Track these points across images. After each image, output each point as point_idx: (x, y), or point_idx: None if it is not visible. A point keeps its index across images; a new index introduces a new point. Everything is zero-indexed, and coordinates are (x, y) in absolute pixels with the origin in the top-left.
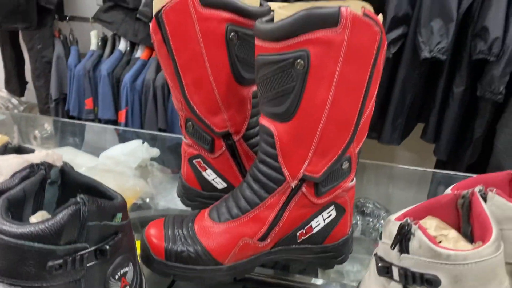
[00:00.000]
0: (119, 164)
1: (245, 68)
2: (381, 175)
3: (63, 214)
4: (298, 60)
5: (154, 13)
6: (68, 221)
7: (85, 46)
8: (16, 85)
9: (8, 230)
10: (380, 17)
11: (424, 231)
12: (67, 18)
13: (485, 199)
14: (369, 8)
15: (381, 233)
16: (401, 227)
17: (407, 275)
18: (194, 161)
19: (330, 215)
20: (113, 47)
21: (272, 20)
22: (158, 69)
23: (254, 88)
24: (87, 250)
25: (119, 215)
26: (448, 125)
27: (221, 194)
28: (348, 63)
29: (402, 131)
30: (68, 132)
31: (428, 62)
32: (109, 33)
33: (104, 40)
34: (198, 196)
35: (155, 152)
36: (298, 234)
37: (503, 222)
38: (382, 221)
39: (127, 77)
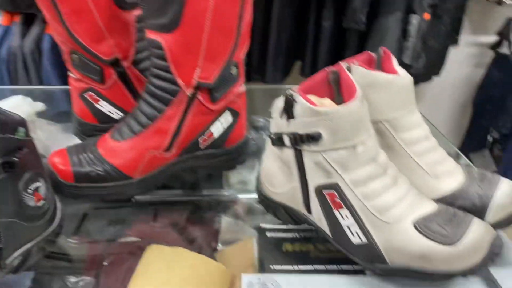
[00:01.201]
0: None
1: None
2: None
3: None
4: None
5: None
6: None
7: None
8: None
9: None
10: None
11: (304, 96)
12: None
13: (350, 72)
14: None
15: (269, 135)
16: (286, 98)
17: (295, 138)
18: (85, 95)
19: (227, 120)
20: None
21: None
22: (23, 34)
23: (137, 12)
24: None
25: (22, 130)
26: (322, 59)
27: None
28: None
29: (283, 69)
30: None
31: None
32: None
33: None
34: (96, 130)
35: (40, 106)
36: (200, 140)
37: (366, 89)
38: None
39: None
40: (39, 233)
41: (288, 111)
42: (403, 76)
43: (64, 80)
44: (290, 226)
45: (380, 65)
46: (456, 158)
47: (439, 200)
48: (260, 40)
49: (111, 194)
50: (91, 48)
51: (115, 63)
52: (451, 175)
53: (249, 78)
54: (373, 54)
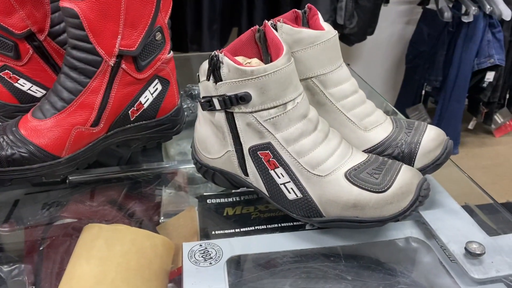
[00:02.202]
0: None
1: None
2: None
3: None
4: None
5: None
6: None
7: None
8: None
9: None
10: None
11: (230, 57)
12: None
13: (276, 30)
14: None
15: (198, 76)
16: (211, 59)
17: (225, 100)
18: (1, 73)
19: (156, 88)
20: None
21: None
22: None
23: None
24: None
25: None
26: (258, 24)
27: None
28: None
29: (220, 37)
30: None
31: None
32: None
33: None
34: (17, 111)
35: None
36: (130, 112)
37: (293, 46)
38: None
39: None
40: None
41: (215, 73)
42: (329, 32)
43: None
44: (230, 191)
45: (307, 22)
46: (393, 114)
47: (369, 151)
48: (194, 8)
49: (38, 175)
50: (1, 22)
51: (29, 37)
52: (379, 126)
53: (186, 49)
54: (299, 12)
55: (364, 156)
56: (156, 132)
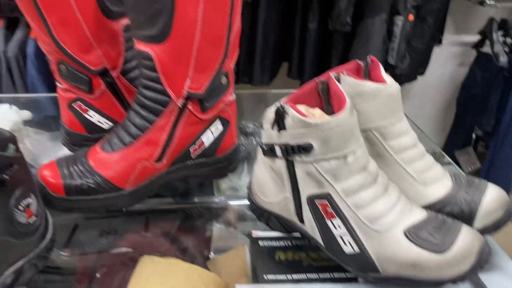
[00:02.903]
0: None
1: (111, 1)
2: (258, 102)
3: None
4: None
5: None
6: None
7: None
8: None
9: None
10: None
11: (295, 108)
12: None
13: (339, 81)
14: None
15: (261, 125)
16: (277, 110)
17: (287, 149)
18: (73, 105)
19: (217, 128)
20: None
21: None
22: (7, 38)
23: (124, 21)
24: None
25: (12, 146)
26: (309, 60)
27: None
28: None
29: (270, 71)
30: None
31: (284, 2)
32: None
33: None
34: (85, 140)
35: (27, 114)
36: (191, 150)
37: (355, 97)
38: None
39: None
40: (31, 250)
41: (279, 122)
42: (391, 85)
43: (49, 85)
44: (283, 234)
45: (368, 73)
46: (441, 157)
47: (428, 207)
48: (247, 42)
49: (103, 206)
50: (79, 59)
51: (103, 73)
52: (439, 181)
53: (236, 81)
54: (360, 63)
55: (424, 213)
56: (214, 170)
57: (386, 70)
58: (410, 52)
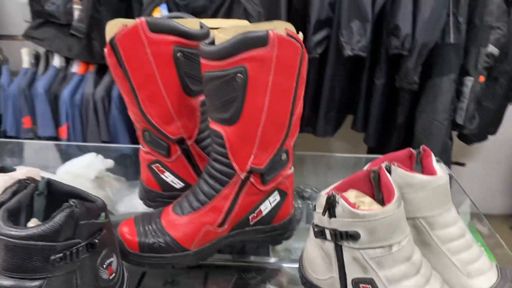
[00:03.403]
0: (78, 177)
1: (192, 81)
2: (319, 164)
3: (60, 216)
4: (238, 75)
5: (108, 39)
6: (65, 221)
7: (17, 64)
8: None
9: (14, 234)
10: (300, 35)
11: (345, 199)
12: None
13: (390, 171)
14: (292, 29)
15: (315, 205)
16: (328, 198)
17: (336, 234)
18: (152, 166)
19: (275, 199)
20: (47, 63)
21: (213, 42)
22: (96, 82)
23: (201, 98)
24: (81, 245)
25: (103, 214)
26: (374, 114)
27: (179, 193)
28: (278, 74)
29: (334, 124)
30: (5, 151)
31: (351, 59)
32: (42, 50)
33: (36, 57)
34: (159, 197)
35: (110, 163)
36: (250, 217)
37: (404, 187)
38: None
39: (65, 93)
40: None
41: (330, 210)
42: (440, 177)
43: (128, 126)
44: None
45: (420, 161)
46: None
47: None
48: (313, 95)
49: (169, 263)
50: (161, 129)
51: (180, 141)
52: (484, 274)
53: (300, 130)
54: (413, 151)
55: None
56: (270, 237)
57: (453, 129)
58: (480, 112)
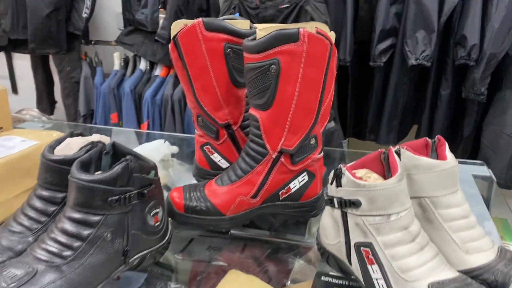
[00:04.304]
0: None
1: (239, 74)
2: None
3: (118, 167)
4: (272, 66)
5: (172, 36)
6: (121, 172)
7: (109, 67)
8: (47, 104)
9: (83, 178)
10: (332, 34)
11: (349, 171)
12: (92, 42)
13: (399, 155)
14: (323, 28)
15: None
16: (335, 170)
17: (342, 202)
18: (204, 147)
19: (304, 179)
20: (134, 66)
21: (255, 39)
22: (175, 85)
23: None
24: (132, 192)
25: (153, 172)
26: (439, 125)
27: None
28: (308, 66)
29: (397, 132)
30: (91, 132)
31: (416, 69)
32: (130, 54)
33: (126, 61)
34: (208, 175)
35: (175, 149)
36: (280, 193)
37: (411, 169)
38: None
39: (147, 93)
40: (153, 245)
41: (338, 181)
42: (446, 162)
43: None
44: (340, 275)
45: (435, 150)
46: None
47: (465, 272)
48: (377, 103)
49: (208, 225)
50: (212, 114)
51: (227, 126)
52: (482, 252)
53: (363, 137)
54: (429, 140)
55: (454, 274)
56: (297, 212)
57: None
58: None
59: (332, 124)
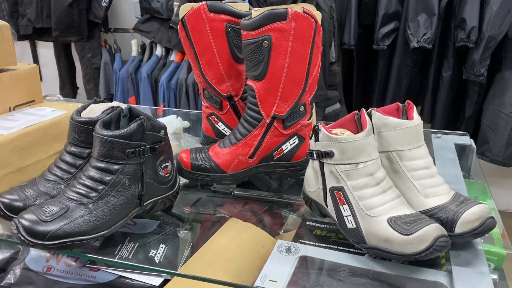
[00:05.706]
0: None
1: (239, 51)
2: None
3: (133, 125)
4: (265, 41)
5: (180, 18)
6: (136, 129)
7: (127, 53)
8: (69, 90)
9: (105, 133)
10: (318, 13)
11: (324, 127)
12: (112, 30)
13: (370, 116)
14: (310, 8)
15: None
16: (314, 127)
17: (319, 153)
18: (210, 117)
19: (295, 142)
20: (151, 52)
21: (251, 18)
22: (189, 70)
23: None
24: (146, 147)
25: (163, 131)
26: (441, 106)
27: None
28: (295, 41)
29: None
30: None
31: (418, 51)
32: (147, 41)
33: (143, 47)
34: (213, 142)
35: (186, 123)
36: (274, 154)
37: (381, 127)
38: None
39: (163, 78)
40: (164, 193)
41: (316, 136)
42: (412, 122)
43: None
44: (324, 220)
45: (406, 112)
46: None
47: (423, 212)
48: (381, 85)
49: (211, 180)
50: (216, 87)
51: (229, 98)
52: (438, 196)
53: None
54: (400, 105)
55: (410, 211)
56: (289, 171)
57: None
58: None
59: (338, 105)
